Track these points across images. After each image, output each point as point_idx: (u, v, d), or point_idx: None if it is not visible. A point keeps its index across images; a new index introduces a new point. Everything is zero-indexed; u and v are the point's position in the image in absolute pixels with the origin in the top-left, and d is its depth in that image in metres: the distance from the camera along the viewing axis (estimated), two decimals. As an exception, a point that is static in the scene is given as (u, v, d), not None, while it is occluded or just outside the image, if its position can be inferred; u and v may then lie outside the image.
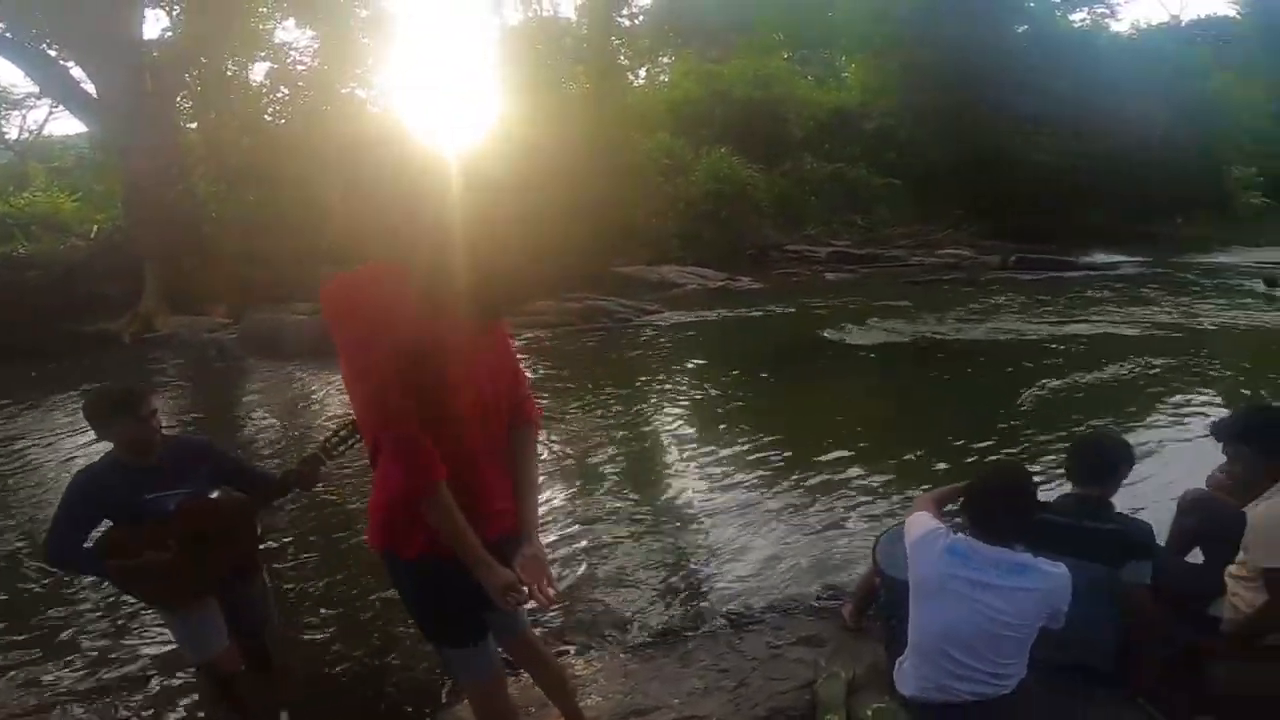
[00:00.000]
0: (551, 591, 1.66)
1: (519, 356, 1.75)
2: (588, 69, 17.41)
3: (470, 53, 28.71)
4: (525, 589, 1.60)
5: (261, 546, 2.65)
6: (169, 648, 3.06)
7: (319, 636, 3.35)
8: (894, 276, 14.65)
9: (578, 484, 5.04)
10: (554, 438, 5.89)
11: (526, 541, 1.66)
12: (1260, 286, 12.61)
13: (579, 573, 3.83)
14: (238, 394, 7.87)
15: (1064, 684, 2.21)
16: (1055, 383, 7.17)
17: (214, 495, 2.40)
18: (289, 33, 15.00)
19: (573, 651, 3.04)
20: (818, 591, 3.46)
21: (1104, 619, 2.35)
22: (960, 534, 2.10)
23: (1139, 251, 17.29)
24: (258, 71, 14.71)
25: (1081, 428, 5.70)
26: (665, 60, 28.84)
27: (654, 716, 2.48)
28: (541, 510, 4.47)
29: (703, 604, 3.48)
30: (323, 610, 3.56)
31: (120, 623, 3.44)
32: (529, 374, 7.57)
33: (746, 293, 13.10)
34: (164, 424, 2.41)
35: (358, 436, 1.70)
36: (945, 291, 12.78)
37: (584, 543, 4.15)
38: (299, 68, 14.34)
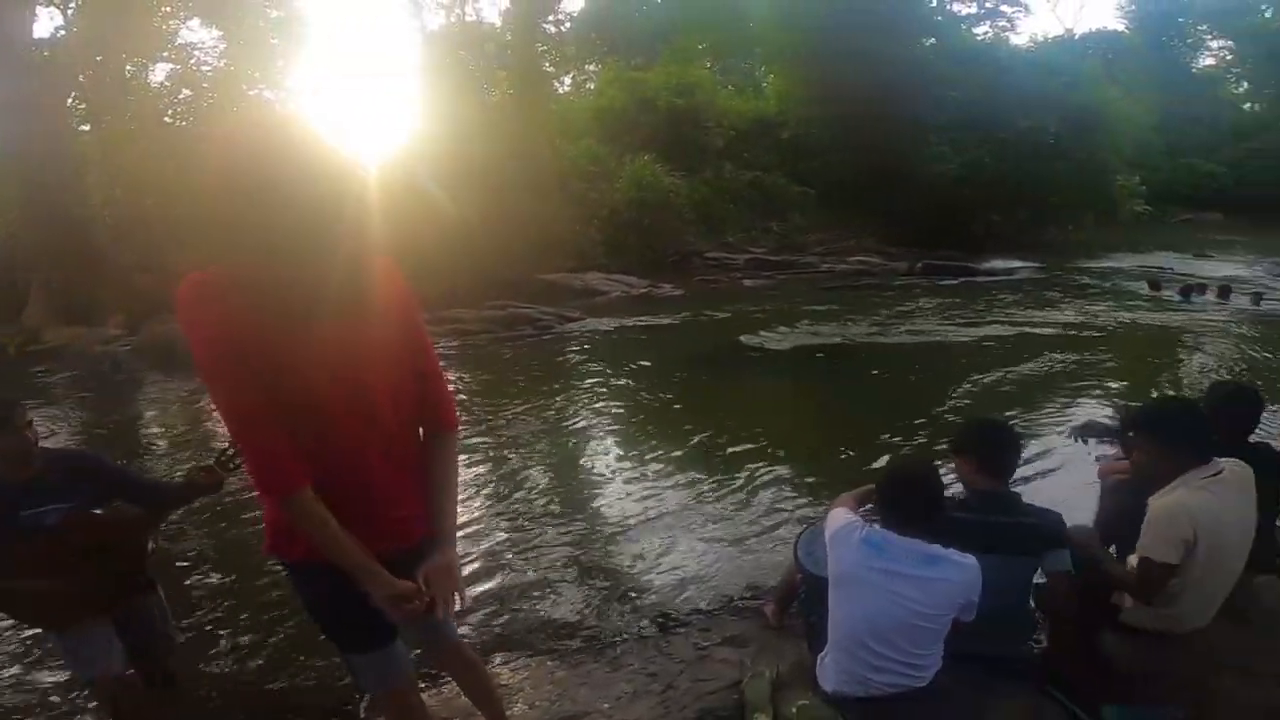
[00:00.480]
0: (457, 602, 1.62)
1: (439, 361, 1.69)
2: (511, 75, 17.32)
3: (390, 57, 28.13)
4: (424, 599, 1.55)
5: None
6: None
7: (227, 651, 3.27)
8: (808, 282, 15.06)
9: (502, 491, 5.04)
10: (477, 445, 5.87)
11: (438, 549, 1.61)
12: (1145, 289, 13.65)
13: (505, 580, 3.83)
14: (134, 408, 7.50)
15: (978, 675, 2.25)
16: (978, 380, 7.61)
17: (99, 511, 2.31)
18: (194, 33, 14.40)
19: (499, 660, 3.04)
20: (741, 592, 3.56)
21: (1019, 611, 2.41)
22: (875, 526, 2.14)
23: (1035, 257, 18.28)
24: (159, 73, 14.07)
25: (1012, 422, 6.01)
26: (592, 68, 28.97)
27: (583, 723, 2.48)
28: (466, 517, 4.52)
29: (629, 608, 3.51)
30: (231, 624, 3.47)
31: (11, 648, 3.26)
32: (451, 381, 7.44)
33: (668, 299, 13.23)
34: (59, 441, 2.34)
35: None
36: (859, 297, 13.24)
37: (509, 550, 4.16)
38: (204, 68, 13.76)
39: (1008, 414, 6.29)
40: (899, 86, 19.73)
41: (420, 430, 1.66)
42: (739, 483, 5.01)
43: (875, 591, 2.02)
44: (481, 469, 5.45)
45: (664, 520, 4.50)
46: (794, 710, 2.25)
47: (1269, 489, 2.69)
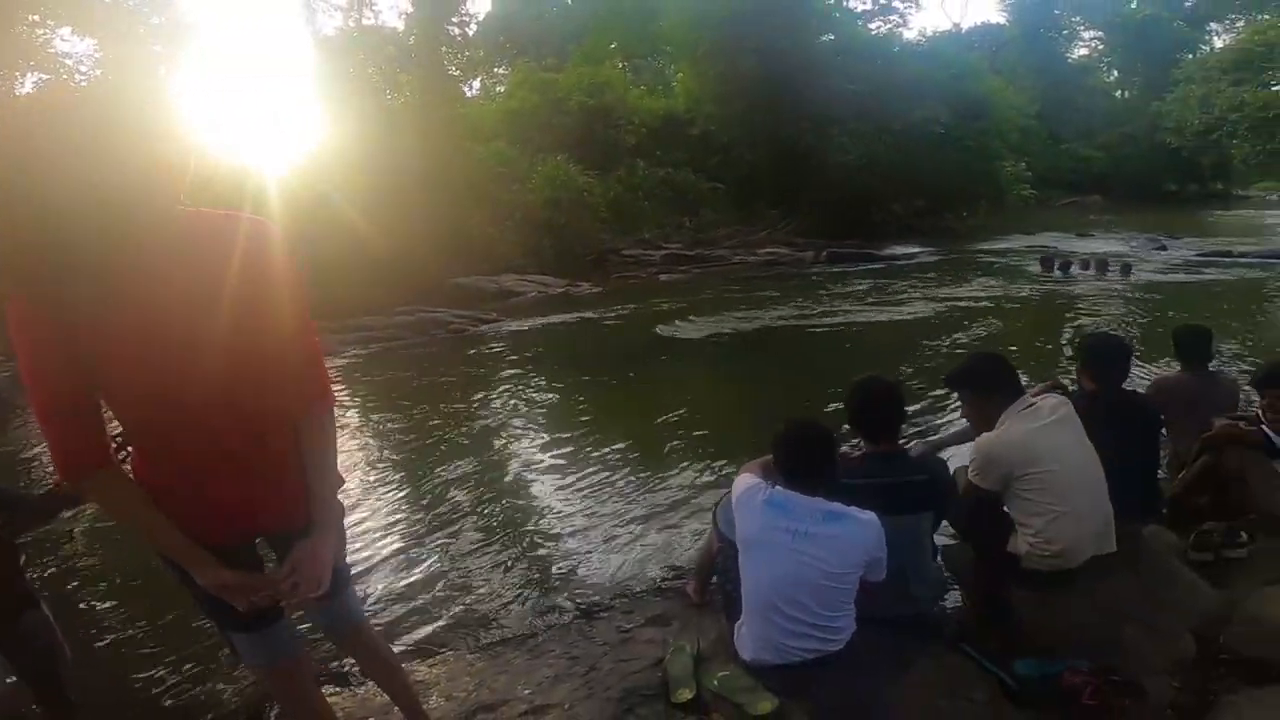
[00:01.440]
0: (316, 590, 1.55)
1: (314, 334, 1.59)
2: (414, 79, 16.95)
3: (285, 62, 27.04)
4: (280, 588, 1.52)
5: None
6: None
7: (127, 663, 3.15)
8: (723, 275, 15.46)
9: (416, 486, 5.00)
10: (389, 443, 5.80)
11: (308, 535, 1.54)
12: (1037, 267, 14.82)
13: (419, 575, 3.79)
14: (9, 434, 7.01)
15: (891, 637, 2.28)
16: (892, 355, 7.98)
17: None
18: (67, 42, 13.49)
19: (414, 657, 2.97)
20: (663, 573, 3.59)
21: (924, 571, 2.47)
22: (778, 488, 2.16)
23: (933, 242, 19.31)
24: (29, 84, 13.11)
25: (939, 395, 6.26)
26: (501, 71, 28.69)
27: (503, 711, 2.43)
28: (380, 513, 4.50)
29: (550, 598, 3.50)
30: (129, 635, 3.34)
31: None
32: (361, 384, 7.22)
33: (587, 298, 13.23)
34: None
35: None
36: (772, 285, 13.64)
37: (424, 545, 4.13)
38: (78, 77, 12.93)
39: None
40: (800, 82, 20.37)
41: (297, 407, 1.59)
42: (660, 468, 5.08)
43: (782, 553, 2.04)
44: (395, 465, 5.39)
45: (585, 509, 4.53)
46: (715, 682, 2.27)
47: (1146, 435, 2.94)
